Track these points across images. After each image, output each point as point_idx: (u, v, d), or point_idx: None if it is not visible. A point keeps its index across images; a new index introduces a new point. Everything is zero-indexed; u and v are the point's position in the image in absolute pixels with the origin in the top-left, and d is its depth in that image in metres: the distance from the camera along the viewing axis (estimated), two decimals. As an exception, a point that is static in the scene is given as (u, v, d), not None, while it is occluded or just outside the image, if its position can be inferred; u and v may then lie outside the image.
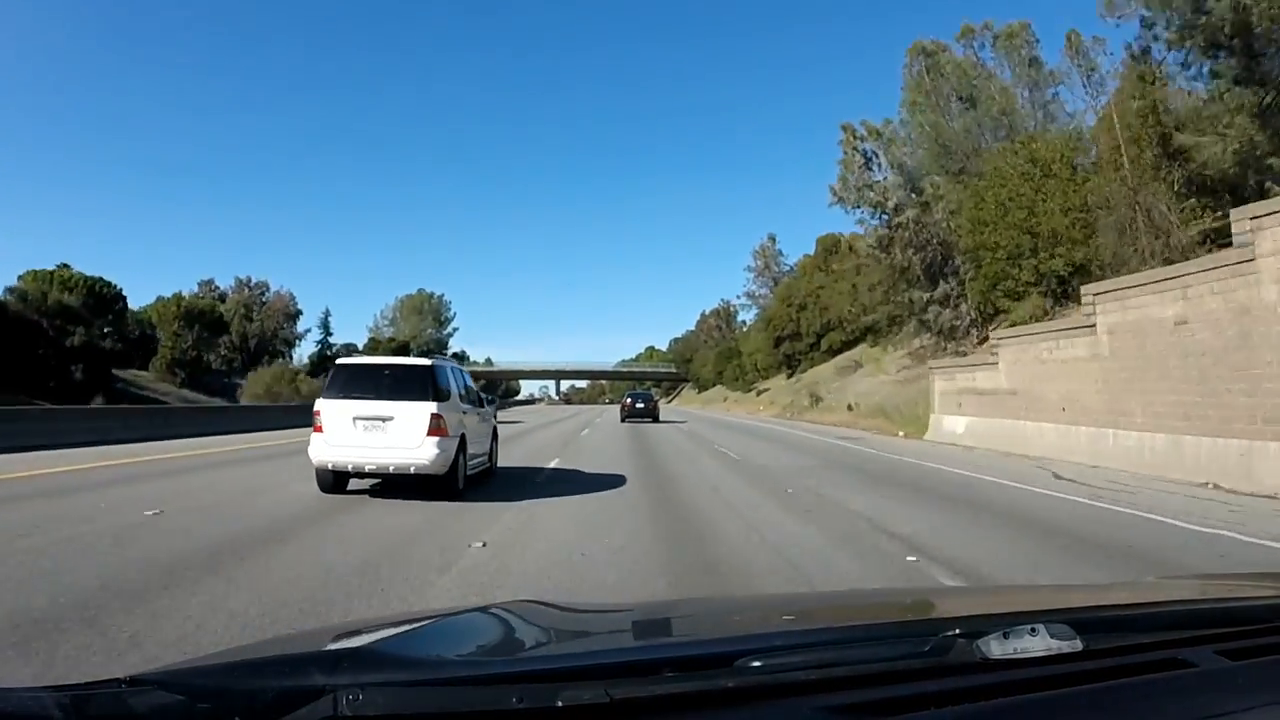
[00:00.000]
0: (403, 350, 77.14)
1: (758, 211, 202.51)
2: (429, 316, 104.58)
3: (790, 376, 61.15)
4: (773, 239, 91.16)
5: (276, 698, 0.96)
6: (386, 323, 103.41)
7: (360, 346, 77.77)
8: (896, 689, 1.09)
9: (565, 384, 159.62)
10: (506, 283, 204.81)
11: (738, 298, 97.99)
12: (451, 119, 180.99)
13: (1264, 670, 1.22)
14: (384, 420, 9.05)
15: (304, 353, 75.04)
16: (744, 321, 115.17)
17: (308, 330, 76.00)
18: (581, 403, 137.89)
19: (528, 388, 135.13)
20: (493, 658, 1.30)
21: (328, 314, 79.91)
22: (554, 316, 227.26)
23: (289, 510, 8.23)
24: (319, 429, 9.21)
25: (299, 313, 73.95)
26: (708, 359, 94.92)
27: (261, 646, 1.56)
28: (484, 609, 1.51)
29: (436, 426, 9.03)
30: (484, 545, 6.52)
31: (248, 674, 1.08)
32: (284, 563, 5.79)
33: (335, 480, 9.35)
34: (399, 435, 9.00)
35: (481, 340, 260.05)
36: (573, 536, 7.11)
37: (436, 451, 8.96)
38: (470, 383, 11.69)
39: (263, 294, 72.26)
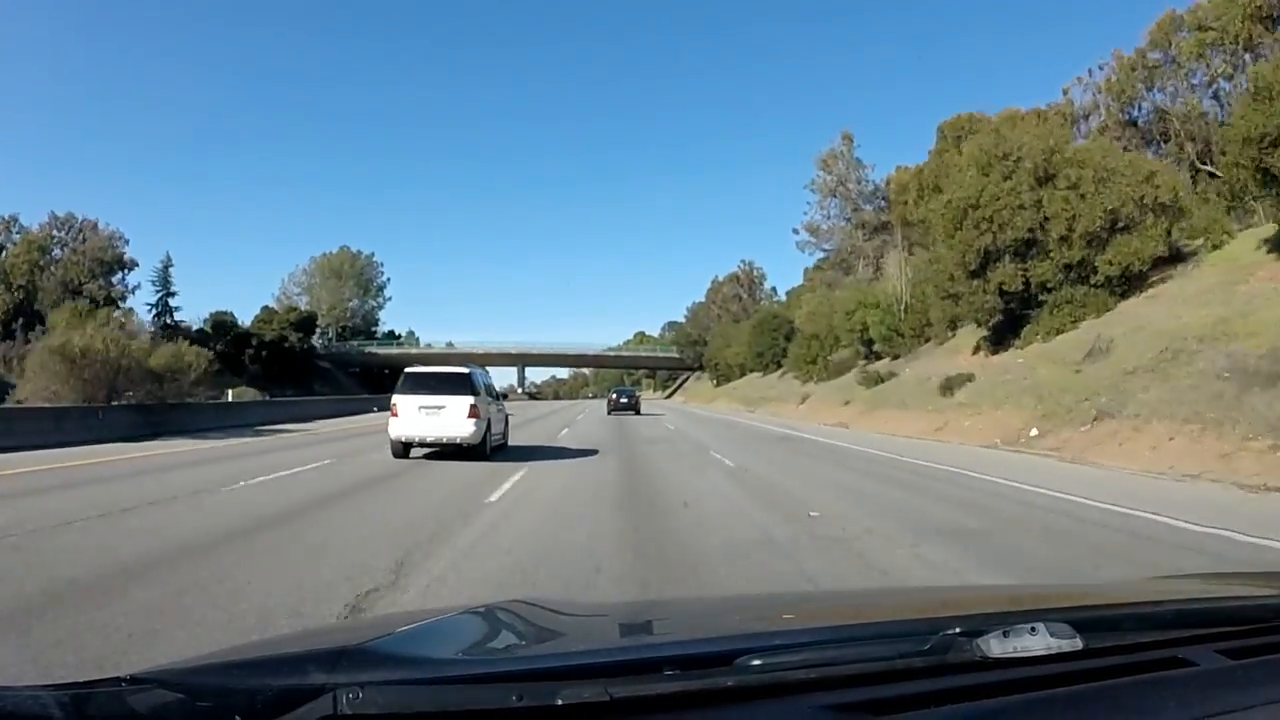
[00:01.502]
0: (307, 321, 66.38)
1: (758, 193, 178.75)
2: (351, 281, 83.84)
3: (1011, 344, 26.08)
4: (849, 140, 57.49)
5: (276, 696, 0.96)
6: (298, 289, 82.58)
7: (245, 322, 62.67)
8: (896, 688, 1.09)
9: (543, 374, 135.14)
10: (476, 264, 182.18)
11: (795, 232, 63.92)
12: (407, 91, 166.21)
13: (1264, 670, 1.22)
14: (439, 408, 13.45)
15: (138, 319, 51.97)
16: (774, 288, 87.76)
17: (137, 286, 54.19)
18: (558, 396, 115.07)
19: (502, 378, 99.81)
20: (493, 657, 1.31)
21: (167, 264, 57.10)
22: (529, 302, 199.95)
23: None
24: (395, 414, 13.61)
25: (127, 263, 52.19)
26: (734, 336, 69.65)
27: (262, 645, 1.57)
28: (484, 609, 1.51)
29: (473, 411, 13.45)
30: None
31: (248, 673, 1.08)
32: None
33: (404, 448, 13.73)
34: (449, 417, 13.39)
35: (444, 324, 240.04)
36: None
37: (474, 428, 13.43)
38: (491, 384, 17.03)
39: (84, 239, 51.75)
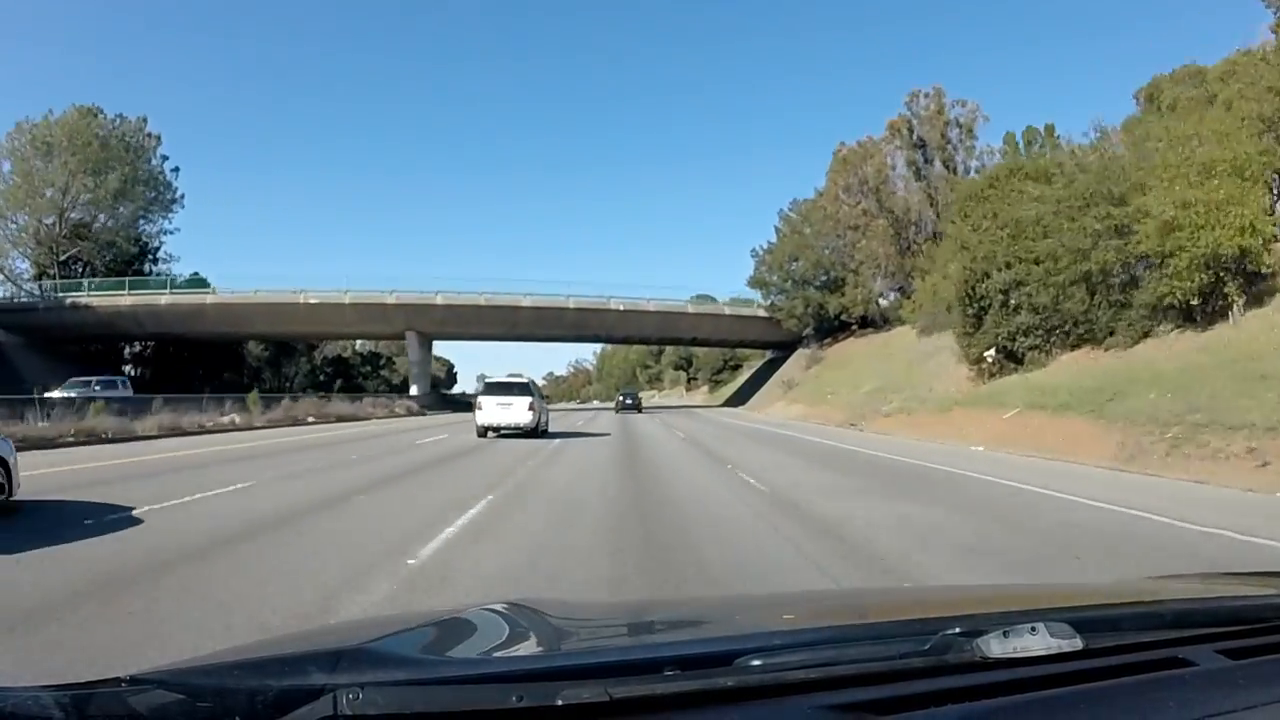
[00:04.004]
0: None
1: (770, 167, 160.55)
2: (72, 162, 43.44)
3: None
4: None
5: (277, 697, 0.96)
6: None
7: None
8: (896, 688, 1.10)
9: (540, 370, 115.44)
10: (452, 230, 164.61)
11: None
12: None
13: (1264, 670, 1.22)
14: (509, 405, 20.79)
15: None
16: (1016, 138, 38.77)
17: None
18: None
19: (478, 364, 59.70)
20: (492, 657, 1.31)
21: None
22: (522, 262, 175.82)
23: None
24: (479, 408, 21.05)
25: None
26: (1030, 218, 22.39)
27: (262, 646, 1.56)
28: (484, 608, 1.52)
29: (531, 407, 20.86)
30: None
31: (248, 673, 1.08)
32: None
33: (484, 431, 20.76)
34: (516, 411, 20.78)
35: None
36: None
37: (532, 418, 20.82)
38: (539, 389, 24.60)
39: None
